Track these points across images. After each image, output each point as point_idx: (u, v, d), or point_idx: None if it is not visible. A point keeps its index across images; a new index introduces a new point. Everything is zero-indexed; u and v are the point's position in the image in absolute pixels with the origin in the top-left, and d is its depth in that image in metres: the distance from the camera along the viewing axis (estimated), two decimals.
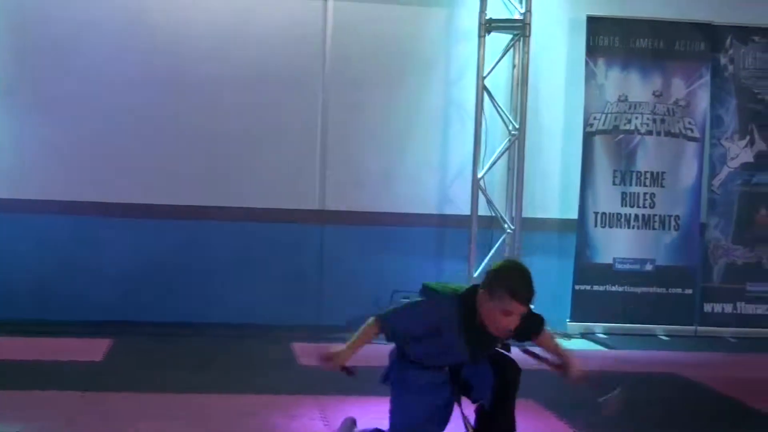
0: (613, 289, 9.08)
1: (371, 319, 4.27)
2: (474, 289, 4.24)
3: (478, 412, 4.50)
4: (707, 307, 9.20)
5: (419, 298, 4.43)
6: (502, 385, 4.44)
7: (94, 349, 7.36)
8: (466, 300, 4.22)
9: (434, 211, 8.91)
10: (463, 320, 4.21)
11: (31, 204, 8.55)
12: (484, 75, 8.78)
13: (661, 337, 9.05)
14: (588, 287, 9.05)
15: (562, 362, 4.37)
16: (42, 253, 8.54)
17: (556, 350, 4.39)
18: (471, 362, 4.34)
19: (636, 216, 9.11)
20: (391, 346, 4.48)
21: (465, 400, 4.47)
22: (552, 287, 8.78)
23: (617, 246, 9.13)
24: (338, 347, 4.21)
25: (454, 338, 4.22)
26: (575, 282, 9.02)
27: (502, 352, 4.50)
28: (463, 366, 4.39)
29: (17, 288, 8.44)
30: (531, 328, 4.36)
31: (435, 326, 4.23)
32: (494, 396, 4.42)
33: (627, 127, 9.08)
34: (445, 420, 4.41)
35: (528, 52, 8.76)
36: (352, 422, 4.80)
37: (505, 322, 4.16)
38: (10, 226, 8.55)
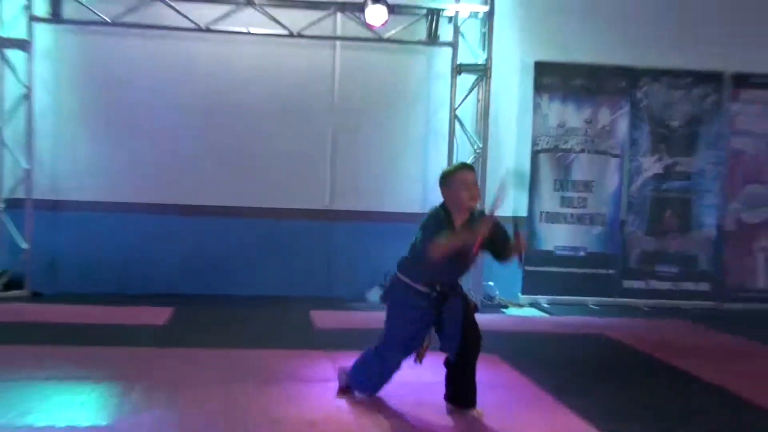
0: (554, 269, 9.43)
1: (434, 246, 4.37)
2: (442, 204, 4.61)
3: (446, 363, 4.76)
4: (626, 284, 9.56)
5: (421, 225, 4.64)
6: (466, 346, 4.65)
7: (159, 316, 7.65)
8: (442, 206, 4.59)
9: (418, 211, 8.50)
10: (446, 217, 4.53)
11: (113, 205, 8.85)
12: (456, 107, 9.12)
13: (591, 306, 9.37)
14: (535, 268, 9.37)
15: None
16: (122, 242, 8.85)
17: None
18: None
19: (571, 214, 9.42)
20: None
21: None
22: (507, 268, 8.63)
23: (557, 237, 9.44)
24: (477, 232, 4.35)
25: (445, 230, 4.47)
26: (525, 264, 9.25)
27: (473, 321, 4.70)
28: (444, 305, 4.60)
29: (104, 268, 8.81)
30: (503, 240, 4.55)
31: (440, 222, 4.53)
32: (458, 355, 4.65)
33: (565, 146, 9.40)
34: (421, 340, 4.71)
35: (489, 90, 9.00)
36: (343, 369, 5.16)
37: (467, 194, 4.51)
38: (98, 222, 8.82)
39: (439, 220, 4.58)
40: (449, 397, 4.84)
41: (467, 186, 4.57)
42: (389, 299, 4.83)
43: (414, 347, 4.79)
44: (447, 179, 4.66)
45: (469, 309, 4.74)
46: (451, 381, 4.80)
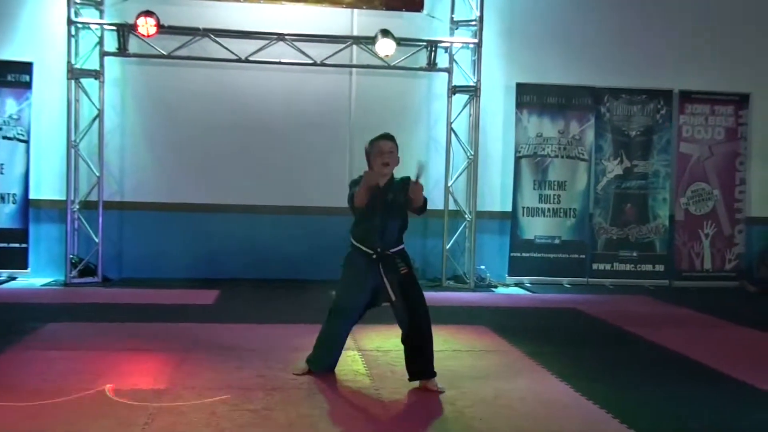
0: (535, 255, 9.31)
1: (356, 195, 4.29)
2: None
3: (403, 340, 4.40)
4: (594, 266, 9.44)
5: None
6: (415, 332, 4.31)
7: (207, 297, 7.64)
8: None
9: None
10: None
11: (168, 205, 8.81)
12: (451, 121, 8.99)
13: (565, 285, 9.26)
14: (519, 254, 9.29)
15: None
16: (176, 235, 8.79)
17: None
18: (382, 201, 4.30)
19: (548, 209, 9.33)
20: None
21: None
22: (496, 254, 9.33)
23: (537, 228, 9.33)
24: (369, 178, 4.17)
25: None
26: (510, 251, 9.29)
27: (418, 294, 4.37)
28: (387, 273, 4.28)
29: (161, 257, 8.76)
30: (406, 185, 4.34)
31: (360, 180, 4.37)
32: (410, 327, 4.33)
33: (542, 153, 9.30)
34: (361, 307, 4.39)
35: (479, 106, 8.93)
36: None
37: (380, 159, 4.33)
38: (156, 219, 8.79)
39: (360, 178, 4.39)
40: (410, 372, 4.41)
41: (383, 154, 4.35)
42: (343, 264, 4.54)
43: (353, 313, 4.44)
44: (370, 144, 4.42)
45: (412, 284, 4.38)
46: (407, 355, 4.41)
